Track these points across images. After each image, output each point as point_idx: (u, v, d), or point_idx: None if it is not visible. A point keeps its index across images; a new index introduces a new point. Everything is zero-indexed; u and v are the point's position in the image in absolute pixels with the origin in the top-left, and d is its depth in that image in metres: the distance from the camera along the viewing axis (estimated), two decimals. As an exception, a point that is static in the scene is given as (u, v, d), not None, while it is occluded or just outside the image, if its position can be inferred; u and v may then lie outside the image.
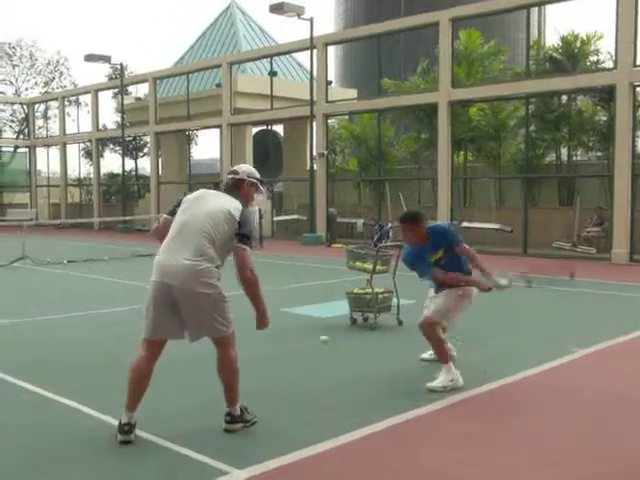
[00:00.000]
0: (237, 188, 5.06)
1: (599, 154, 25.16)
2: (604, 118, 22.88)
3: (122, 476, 4.27)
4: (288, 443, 4.73)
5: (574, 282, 12.21)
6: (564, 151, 24.71)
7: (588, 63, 23.71)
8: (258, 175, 5.21)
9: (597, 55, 23.74)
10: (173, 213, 5.01)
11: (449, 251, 6.22)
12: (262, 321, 4.95)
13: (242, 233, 4.78)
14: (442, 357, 6.13)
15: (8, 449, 4.72)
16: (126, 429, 4.72)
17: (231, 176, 5.13)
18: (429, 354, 6.76)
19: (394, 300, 9.03)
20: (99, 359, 7.26)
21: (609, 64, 21.32)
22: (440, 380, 5.98)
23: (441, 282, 6.31)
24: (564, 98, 23.19)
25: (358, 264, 9.33)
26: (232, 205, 4.86)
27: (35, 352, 7.67)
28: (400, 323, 8.81)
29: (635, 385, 6.38)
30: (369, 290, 8.93)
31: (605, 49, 23.19)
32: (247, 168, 5.22)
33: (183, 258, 4.68)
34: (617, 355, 7.65)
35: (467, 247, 6.34)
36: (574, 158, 25.19)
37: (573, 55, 23.64)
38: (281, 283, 13.27)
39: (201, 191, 5.13)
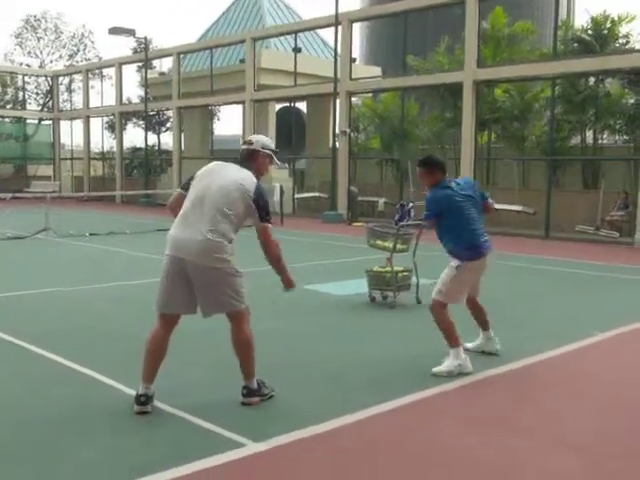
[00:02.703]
0: (251, 159, 5.02)
1: (625, 137, 24.82)
2: (632, 101, 22.53)
3: (139, 446, 4.31)
4: (304, 418, 4.75)
5: (597, 266, 12.10)
6: (589, 134, 24.39)
7: (617, 45, 23.33)
8: (273, 146, 5.16)
9: (627, 38, 23.35)
10: (187, 187, 4.98)
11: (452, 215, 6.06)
12: (287, 284, 5.10)
13: (261, 210, 4.78)
14: (450, 340, 5.93)
15: (26, 417, 4.78)
16: (142, 400, 4.76)
17: (245, 146, 5.10)
18: (473, 345, 6.50)
19: (413, 279, 9.01)
20: (119, 331, 7.32)
21: (639, 47, 20.96)
22: (446, 365, 5.84)
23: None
24: (591, 80, 22.86)
25: (379, 242, 9.30)
26: (246, 179, 4.82)
27: (56, 323, 7.75)
28: (419, 302, 8.78)
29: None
30: (389, 269, 8.91)
31: (636, 31, 22.83)
32: (262, 138, 5.17)
33: (196, 233, 4.67)
34: (638, 340, 7.58)
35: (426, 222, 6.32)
36: (599, 141, 24.86)
37: (602, 37, 23.24)
38: (301, 260, 13.27)
39: (213, 164, 5.10)
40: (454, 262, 6.03)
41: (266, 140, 5.18)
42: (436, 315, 6.02)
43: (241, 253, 4.89)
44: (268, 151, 5.10)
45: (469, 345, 6.43)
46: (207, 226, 4.68)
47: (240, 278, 4.82)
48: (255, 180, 4.86)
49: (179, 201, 4.98)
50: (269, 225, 4.83)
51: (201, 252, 4.65)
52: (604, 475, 4.08)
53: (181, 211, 4.88)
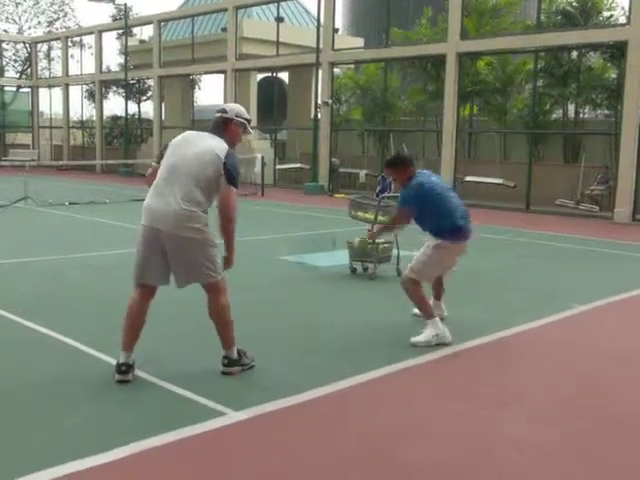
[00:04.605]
0: (224, 127, 4.95)
1: (607, 112, 24.89)
2: (614, 75, 22.58)
3: (120, 414, 4.31)
4: (285, 387, 4.78)
5: (577, 240, 12.21)
6: (571, 108, 24.45)
7: (601, 18, 23.31)
8: (247, 115, 5.09)
9: (610, 10, 23.33)
10: (161, 158, 4.94)
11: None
12: (230, 260, 4.88)
13: (228, 173, 4.71)
14: (425, 314, 6.02)
15: (8, 387, 4.76)
16: (123, 369, 4.76)
17: (219, 114, 5.01)
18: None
19: (394, 251, 9.04)
20: (98, 299, 7.29)
21: (622, 20, 20.96)
22: (424, 335, 5.89)
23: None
24: (574, 54, 22.85)
25: (360, 214, 9.31)
26: (218, 147, 4.76)
27: (35, 292, 7.71)
28: (399, 274, 8.78)
29: (628, 343, 6.41)
30: (370, 240, 8.92)
31: (620, 4, 22.82)
32: (236, 107, 5.09)
33: (170, 202, 4.64)
34: (615, 312, 7.68)
35: (400, 212, 6.37)
36: (581, 115, 24.93)
37: (586, 10, 23.21)
38: (282, 231, 13.29)
39: (186, 133, 5.04)
40: (433, 241, 6.07)
41: (240, 109, 5.09)
42: (409, 292, 6.10)
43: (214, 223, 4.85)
44: (242, 120, 5.01)
45: (417, 310, 6.44)
46: (181, 195, 4.65)
47: (215, 249, 4.79)
48: (226, 146, 4.80)
49: (155, 175, 4.93)
50: (234, 189, 4.75)
51: (175, 222, 4.62)
52: (582, 445, 4.14)
53: (155, 181, 4.84)
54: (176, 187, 4.68)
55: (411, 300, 6.16)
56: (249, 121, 5.10)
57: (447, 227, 6.03)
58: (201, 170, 4.69)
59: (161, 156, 4.95)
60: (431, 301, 6.45)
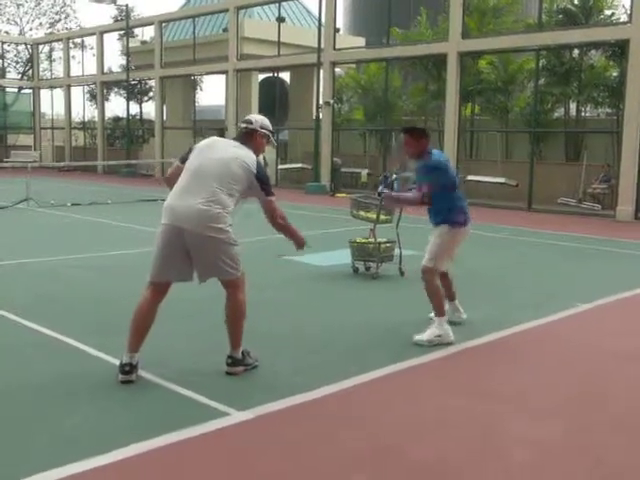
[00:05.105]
0: (250, 138, 5.10)
1: (608, 110, 24.85)
2: (615, 73, 22.55)
3: (123, 415, 4.31)
4: (288, 387, 4.77)
5: (579, 238, 12.19)
6: (573, 106, 24.42)
7: (602, 17, 23.28)
8: (271, 127, 5.26)
9: (612, 9, 23.30)
10: (185, 160, 5.02)
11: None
12: (299, 241, 5.33)
13: (263, 184, 4.93)
14: (437, 309, 6.01)
15: (9, 387, 4.76)
16: (127, 369, 4.76)
17: (245, 125, 5.17)
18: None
19: (396, 250, 9.03)
20: (100, 300, 7.29)
21: (624, 18, 20.93)
22: (427, 333, 5.88)
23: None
24: (575, 52, 22.83)
25: (362, 213, 9.32)
26: (248, 157, 4.92)
27: (36, 292, 7.71)
28: (402, 273, 8.81)
29: (630, 341, 6.39)
30: (372, 240, 8.92)
31: (621, 3, 22.79)
32: (261, 119, 5.24)
33: (195, 202, 4.70)
34: (617, 311, 7.67)
35: (421, 189, 6.11)
36: (583, 114, 24.90)
37: (587, 8, 23.17)
38: (284, 231, 13.27)
39: (213, 138, 5.18)
40: (440, 230, 6.09)
41: (265, 121, 5.24)
42: (428, 281, 6.03)
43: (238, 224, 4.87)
44: (266, 131, 5.17)
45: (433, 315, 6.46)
46: (206, 196, 4.72)
47: (237, 247, 4.87)
48: (255, 157, 4.97)
49: (177, 173, 5.02)
50: (274, 198, 5.00)
51: (199, 221, 4.68)
52: (584, 442, 4.13)
53: (180, 182, 4.91)
54: (202, 188, 4.76)
55: (427, 291, 6.05)
56: (273, 133, 5.28)
57: (458, 209, 6.13)
58: (229, 175, 4.80)
59: (186, 157, 5.03)
60: (446, 306, 6.39)
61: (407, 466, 3.72)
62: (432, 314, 6.12)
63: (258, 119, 5.21)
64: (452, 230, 6.09)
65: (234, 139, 5.14)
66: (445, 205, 6.12)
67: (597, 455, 3.95)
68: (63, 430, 4.05)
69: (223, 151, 4.92)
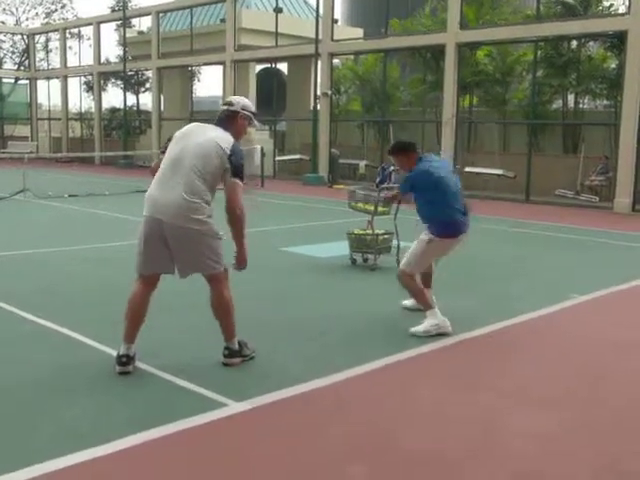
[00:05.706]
0: (230, 120, 4.95)
1: (606, 102, 24.82)
2: (613, 65, 22.51)
3: (121, 406, 4.31)
4: (286, 378, 4.77)
5: (576, 230, 12.19)
6: (571, 98, 24.38)
7: (600, 8, 23.23)
8: (253, 108, 5.10)
9: (610, 0, 23.25)
10: (165, 150, 4.94)
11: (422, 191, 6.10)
12: (241, 259, 4.87)
13: (234, 167, 4.71)
14: (424, 305, 6.03)
15: (8, 379, 4.75)
16: (124, 360, 4.76)
17: (225, 107, 5.03)
18: (411, 302, 6.57)
19: (394, 242, 9.01)
20: (98, 291, 7.28)
21: (622, 10, 20.88)
22: (424, 325, 5.90)
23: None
24: (574, 43, 22.78)
25: (360, 205, 9.30)
26: (223, 139, 4.76)
27: (34, 284, 7.69)
28: (399, 264, 8.78)
29: (629, 332, 6.40)
30: (370, 231, 8.91)
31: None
32: (242, 100, 5.10)
33: (173, 194, 4.62)
34: (615, 302, 7.67)
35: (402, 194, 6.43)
36: (581, 106, 24.87)
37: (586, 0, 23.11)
38: (281, 222, 13.27)
39: (191, 125, 5.04)
40: (426, 235, 6.07)
41: (246, 102, 5.11)
42: (405, 285, 6.16)
43: (220, 216, 4.83)
44: (248, 113, 5.03)
45: (407, 302, 6.64)
46: (183, 186, 4.63)
47: (219, 240, 4.77)
48: (232, 139, 4.81)
49: (159, 165, 4.94)
50: (239, 182, 4.75)
51: (179, 213, 4.61)
52: (584, 433, 4.14)
53: (158, 172, 4.83)
54: (178, 178, 4.66)
55: (409, 293, 6.23)
56: (255, 114, 5.11)
57: (440, 220, 6.02)
58: (204, 161, 4.67)
59: (165, 147, 4.95)
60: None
61: (404, 457, 3.72)
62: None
63: (239, 100, 5.07)
64: (438, 241, 6.04)
65: (215, 123, 4.95)
66: (431, 214, 6.08)
67: (597, 446, 3.95)
68: (63, 421, 4.05)
69: (200, 136, 4.78)
